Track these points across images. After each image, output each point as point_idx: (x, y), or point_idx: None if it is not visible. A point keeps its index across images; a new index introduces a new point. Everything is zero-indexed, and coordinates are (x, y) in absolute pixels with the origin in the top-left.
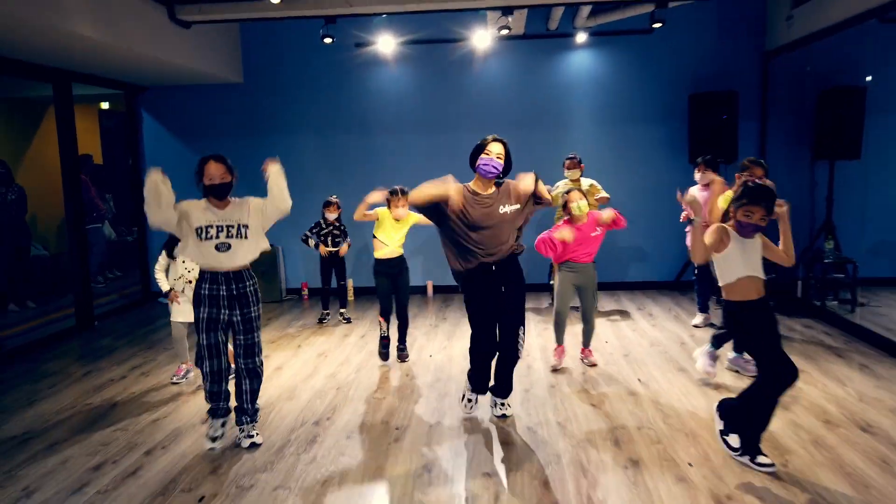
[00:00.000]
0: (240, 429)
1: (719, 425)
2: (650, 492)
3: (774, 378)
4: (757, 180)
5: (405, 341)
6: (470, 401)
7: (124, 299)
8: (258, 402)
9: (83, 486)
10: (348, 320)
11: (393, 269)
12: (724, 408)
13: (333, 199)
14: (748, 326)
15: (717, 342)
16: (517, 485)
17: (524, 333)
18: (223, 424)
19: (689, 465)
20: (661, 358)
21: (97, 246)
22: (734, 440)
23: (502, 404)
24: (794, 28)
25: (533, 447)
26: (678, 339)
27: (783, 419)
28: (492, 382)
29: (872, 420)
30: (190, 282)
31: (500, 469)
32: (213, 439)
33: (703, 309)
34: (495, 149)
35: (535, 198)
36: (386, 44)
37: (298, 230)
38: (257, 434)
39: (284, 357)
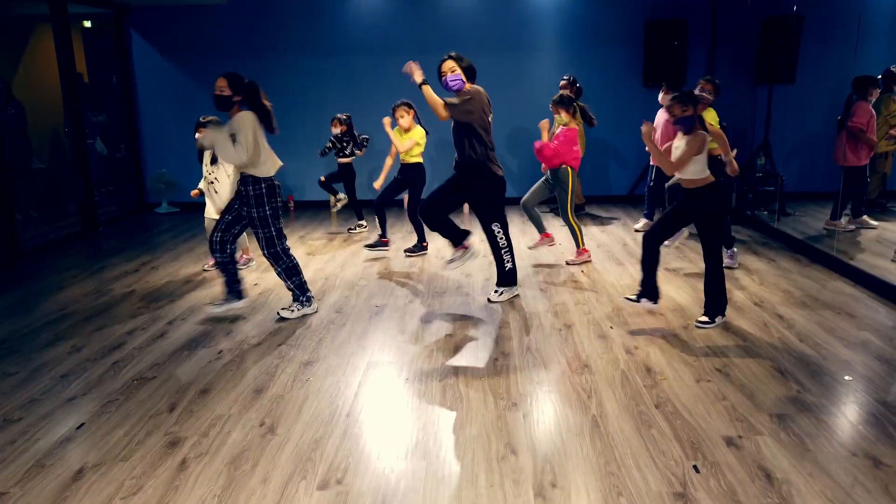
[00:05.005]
0: None
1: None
2: (576, 344)
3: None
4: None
5: (419, 241)
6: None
7: (122, 209)
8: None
9: (121, 345)
10: (351, 230)
11: (402, 175)
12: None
13: (340, 115)
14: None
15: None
16: (473, 340)
17: (499, 229)
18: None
19: (611, 327)
20: (604, 255)
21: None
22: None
23: (495, 290)
24: None
25: (487, 318)
26: (621, 241)
27: (695, 297)
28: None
29: (764, 297)
30: (211, 182)
31: (460, 329)
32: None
33: (649, 216)
34: (448, 66)
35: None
36: None
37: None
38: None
39: None
